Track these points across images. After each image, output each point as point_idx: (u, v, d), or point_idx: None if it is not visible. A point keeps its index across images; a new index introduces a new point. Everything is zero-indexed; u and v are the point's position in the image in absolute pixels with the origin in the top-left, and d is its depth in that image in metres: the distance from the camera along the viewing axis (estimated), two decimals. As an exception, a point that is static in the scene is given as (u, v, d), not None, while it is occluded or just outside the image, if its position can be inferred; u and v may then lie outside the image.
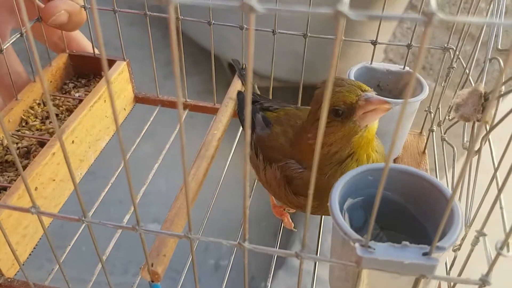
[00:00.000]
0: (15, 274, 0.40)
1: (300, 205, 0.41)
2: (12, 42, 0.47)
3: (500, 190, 0.29)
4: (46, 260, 0.42)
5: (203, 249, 0.94)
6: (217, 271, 0.42)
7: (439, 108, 0.51)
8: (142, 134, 0.53)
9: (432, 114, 0.52)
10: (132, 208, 0.47)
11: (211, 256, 0.93)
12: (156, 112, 0.57)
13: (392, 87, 0.51)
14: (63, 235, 0.45)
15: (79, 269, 0.44)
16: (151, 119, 0.55)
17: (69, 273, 0.38)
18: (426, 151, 0.53)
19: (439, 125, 0.49)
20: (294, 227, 0.48)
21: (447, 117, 0.47)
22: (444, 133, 0.47)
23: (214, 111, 0.55)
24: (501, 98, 0.34)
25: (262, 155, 0.43)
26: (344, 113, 0.36)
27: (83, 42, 0.55)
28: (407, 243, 0.28)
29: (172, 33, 0.21)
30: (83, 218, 0.30)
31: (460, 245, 0.37)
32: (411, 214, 0.35)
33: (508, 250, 0.27)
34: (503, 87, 0.34)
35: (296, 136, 0.41)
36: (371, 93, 0.36)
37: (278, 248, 0.43)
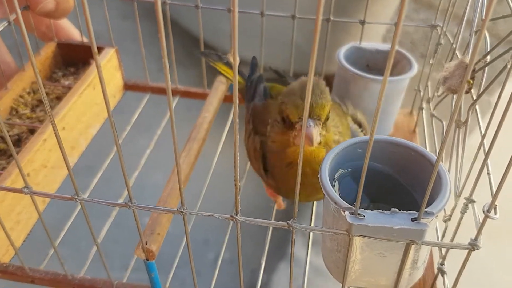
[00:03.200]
0: (10, 260, 0.40)
1: (268, 183, 0.42)
2: (1, 34, 0.47)
3: (487, 155, 0.29)
4: (41, 247, 0.42)
5: (203, 243, 0.94)
6: (216, 265, 0.43)
7: (427, 86, 0.51)
8: (134, 119, 0.53)
9: (421, 92, 0.53)
10: (126, 192, 0.48)
11: (210, 249, 0.93)
12: (146, 99, 0.57)
13: (382, 66, 0.52)
14: (60, 227, 0.45)
15: (77, 261, 0.44)
16: (142, 106, 0.55)
17: (67, 262, 0.38)
18: (417, 129, 0.54)
19: (428, 102, 0.50)
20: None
21: (435, 94, 0.47)
22: (433, 110, 0.47)
23: (205, 96, 0.55)
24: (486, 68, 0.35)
25: (252, 124, 0.44)
26: (286, 124, 0.37)
27: (71, 31, 0.55)
28: (396, 209, 0.28)
29: (158, 10, 0.22)
30: (76, 197, 0.31)
31: (451, 215, 0.37)
32: (402, 186, 0.35)
33: (495, 213, 0.27)
34: (488, 57, 0.35)
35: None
36: (313, 122, 0.35)
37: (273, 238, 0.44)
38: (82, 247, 0.44)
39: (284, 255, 0.90)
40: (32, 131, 0.45)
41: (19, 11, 0.24)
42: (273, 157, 0.40)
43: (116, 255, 0.55)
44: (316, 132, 0.35)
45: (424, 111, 0.52)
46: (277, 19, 0.50)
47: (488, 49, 0.34)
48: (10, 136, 0.45)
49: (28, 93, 0.49)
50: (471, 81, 0.34)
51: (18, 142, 0.45)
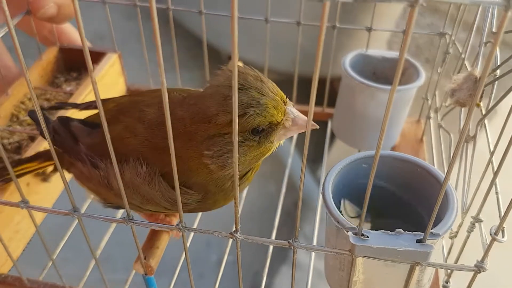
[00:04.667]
0: (9, 271, 0.40)
1: (174, 201, 0.33)
2: (2, 37, 0.46)
3: (495, 174, 0.28)
4: (40, 257, 0.42)
5: (206, 245, 0.93)
6: (220, 267, 0.42)
7: (435, 95, 0.50)
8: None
9: (429, 101, 0.52)
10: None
11: (213, 251, 0.93)
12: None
13: (389, 74, 0.51)
14: (61, 234, 0.45)
15: (78, 267, 0.44)
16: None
17: (68, 270, 0.38)
18: (424, 139, 0.53)
19: (436, 111, 0.49)
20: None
21: (443, 104, 0.46)
22: (441, 120, 0.46)
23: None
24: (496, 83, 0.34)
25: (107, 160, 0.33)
26: (265, 132, 0.31)
27: (74, 35, 0.54)
28: (401, 230, 0.27)
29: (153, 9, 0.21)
30: (74, 212, 0.30)
31: (457, 232, 0.36)
32: (408, 204, 0.34)
33: (503, 236, 0.26)
34: (498, 71, 0.34)
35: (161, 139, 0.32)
36: (292, 108, 0.31)
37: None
38: (81, 258, 0.43)
39: (287, 258, 0.89)
40: (32, 138, 0.45)
41: (11, 23, 0.24)
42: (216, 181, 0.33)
43: (114, 269, 0.55)
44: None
45: (431, 121, 0.51)
46: (282, 22, 0.49)
47: (498, 63, 0.33)
48: (10, 143, 0.44)
49: (29, 99, 0.49)
50: (480, 104, 0.33)
51: (19, 149, 0.44)
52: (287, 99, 0.32)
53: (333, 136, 0.56)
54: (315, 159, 1.05)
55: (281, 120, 0.31)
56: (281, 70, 0.91)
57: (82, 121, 0.37)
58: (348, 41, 0.81)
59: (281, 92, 0.31)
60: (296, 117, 0.31)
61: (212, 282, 0.41)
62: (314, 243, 0.44)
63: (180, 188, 0.30)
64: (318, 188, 1.04)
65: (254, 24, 0.49)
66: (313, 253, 0.44)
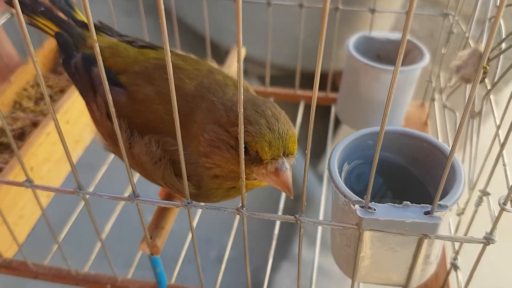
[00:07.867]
0: (14, 255, 0.39)
1: (180, 190, 0.33)
2: (4, 28, 0.46)
3: (502, 146, 0.28)
4: (45, 242, 0.42)
5: (205, 241, 0.93)
6: (219, 263, 0.43)
7: (439, 76, 0.50)
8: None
9: (433, 83, 0.51)
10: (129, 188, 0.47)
11: (212, 247, 0.93)
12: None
13: (393, 56, 0.50)
14: (64, 220, 0.45)
15: (81, 256, 0.44)
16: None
17: (71, 256, 0.38)
18: (429, 121, 0.52)
19: (440, 92, 0.48)
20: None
21: (448, 84, 0.46)
22: (446, 100, 0.46)
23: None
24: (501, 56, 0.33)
25: (125, 122, 0.33)
26: (249, 155, 0.30)
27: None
28: (408, 202, 0.27)
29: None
30: (79, 190, 0.30)
31: (464, 208, 0.36)
32: (415, 178, 0.34)
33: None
34: (503, 44, 0.33)
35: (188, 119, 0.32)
36: (288, 164, 0.30)
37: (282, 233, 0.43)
38: (86, 243, 0.43)
39: (286, 254, 0.89)
40: (35, 125, 0.45)
41: (19, 8, 0.24)
42: (203, 173, 0.32)
43: (120, 252, 0.54)
44: (291, 176, 0.30)
45: (436, 102, 0.50)
46: (282, 14, 0.49)
47: (503, 37, 0.33)
48: (13, 129, 0.44)
49: (32, 86, 0.49)
50: (487, 67, 0.33)
51: (22, 135, 0.44)
52: (293, 155, 0.30)
53: (336, 125, 0.55)
54: (316, 154, 1.05)
55: (267, 161, 0.29)
56: (280, 64, 0.90)
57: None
58: (349, 31, 0.80)
59: (293, 144, 0.30)
60: (283, 172, 0.29)
61: (212, 278, 0.41)
62: (318, 240, 0.43)
63: (178, 177, 0.32)
64: (320, 184, 1.03)
65: (254, 17, 0.49)
66: (317, 249, 0.43)
